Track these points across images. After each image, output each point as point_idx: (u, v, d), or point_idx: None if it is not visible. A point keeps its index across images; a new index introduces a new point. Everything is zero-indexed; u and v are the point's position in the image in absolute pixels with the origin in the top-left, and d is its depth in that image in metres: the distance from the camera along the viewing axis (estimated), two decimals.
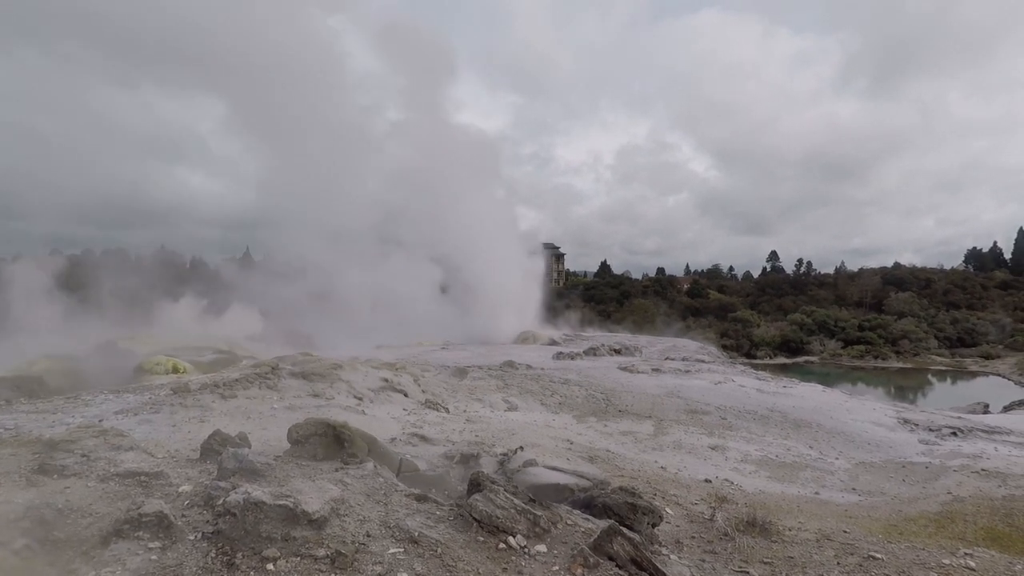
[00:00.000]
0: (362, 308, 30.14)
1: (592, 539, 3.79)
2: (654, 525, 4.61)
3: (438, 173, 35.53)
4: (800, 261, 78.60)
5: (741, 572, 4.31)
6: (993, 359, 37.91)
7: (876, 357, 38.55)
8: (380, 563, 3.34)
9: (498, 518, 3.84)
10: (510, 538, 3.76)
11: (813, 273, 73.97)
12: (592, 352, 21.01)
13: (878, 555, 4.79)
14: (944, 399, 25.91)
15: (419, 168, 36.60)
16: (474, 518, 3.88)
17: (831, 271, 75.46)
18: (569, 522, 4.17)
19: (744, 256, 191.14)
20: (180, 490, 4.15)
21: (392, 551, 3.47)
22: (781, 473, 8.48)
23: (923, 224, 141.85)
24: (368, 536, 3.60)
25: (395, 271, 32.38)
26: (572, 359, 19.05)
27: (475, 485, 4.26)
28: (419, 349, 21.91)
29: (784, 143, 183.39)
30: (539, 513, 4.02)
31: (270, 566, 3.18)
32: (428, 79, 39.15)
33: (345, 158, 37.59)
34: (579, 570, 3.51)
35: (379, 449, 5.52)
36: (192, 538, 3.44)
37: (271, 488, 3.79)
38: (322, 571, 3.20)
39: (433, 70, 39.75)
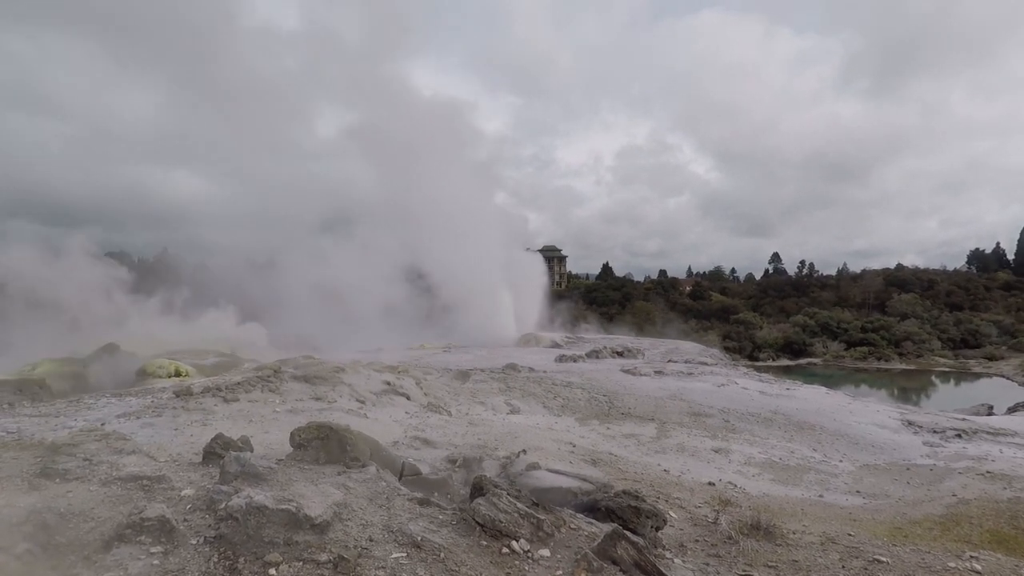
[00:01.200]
0: (302, 306, 28.13)
1: (596, 543, 3.77)
2: (658, 529, 4.59)
3: (398, 146, 32.55)
4: (802, 263, 78.79)
5: None
6: (996, 360, 37.80)
7: (879, 359, 38.49)
8: (383, 568, 3.32)
9: (501, 522, 3.83)
10: (513, 542, 3.74)
11: (815, 275, 73.93)
12: (594, 354, 20.98)
13: (883, 558, 4.76)
14: (948, 401, 25.84)
15: (376, 141, 33.76)
16: (477, 522, 3.86)
17: (833, 273, 75.43)
18: (572, 526, 4.15)
19: (746, 258, 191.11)
20: (182, 494, 4.13)
21: (395, 555, 3.46)
22: (785, 476, 8.44)
23: (926, 225, 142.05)
24: (371, 540, 3.58)
25: (347, 264, 29.48)
26: (574, 361, 19.02)
27: (478, 489, 4.24)
28: (421, 352, 21.93)
29: (785, 144, 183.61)
30: (542, 517, 4.00)
31: (272, 571, 3.17)
32: (379, 34, 36.48)
33: (284, 133, 34.90)
34: (583, 574, 3.49)
35: (381, 452, 5.50)
36: (194, 543, 3.43)
37: (273, 492, 3.78)
38: None
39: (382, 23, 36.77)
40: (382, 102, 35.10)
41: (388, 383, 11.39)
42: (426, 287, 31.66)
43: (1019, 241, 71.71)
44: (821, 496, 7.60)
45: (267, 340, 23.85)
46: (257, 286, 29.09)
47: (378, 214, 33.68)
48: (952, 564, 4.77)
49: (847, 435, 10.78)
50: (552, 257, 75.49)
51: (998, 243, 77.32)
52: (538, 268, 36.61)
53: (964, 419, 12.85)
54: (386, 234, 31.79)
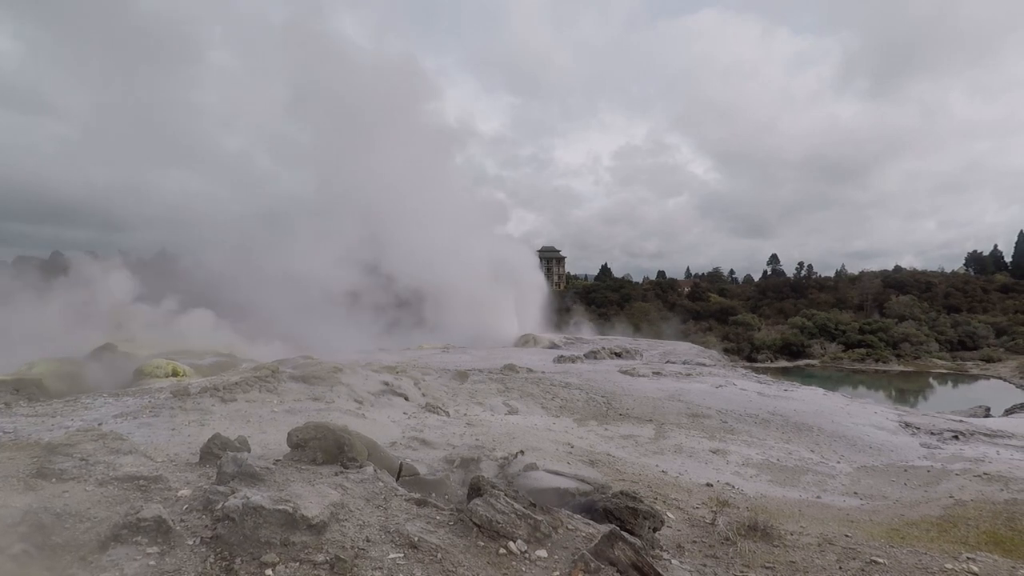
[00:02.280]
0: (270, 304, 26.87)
1: (593, 544, 3.77)
2: (655, 529, 4.59)
3: (353, 123, 31.00)
4: (801, 264, 78.93)
5: None
6: (994, 362, 37.89)
7: (877, 360, 38.53)
8: (380, 568, 3.31)
9: (498, 523, 3.82)
10: (510, 543, 3.74)
11: (814, 276, 74.01)
12: (593, 355, 20.98)
13: (880, 560, 4.77)
14: (945, 402, 25.86)
15: (329, 114, 32.20)
16: (474, 523, 3.85)
17: (832, 274, 75.55)
18: (570, 527, 4.14)
19: (745, 259, 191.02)
20: (179, 494, 4.13)
21: (392, 556, 3.45)
22: (782, 477, 8.45)
23: (924, 227, 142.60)
24: (368, 541, 3.57)
25: (309, 258, 27.85)
26: (573, 362, 19.02)
27: (475, 489, 4.24)
28: (420, 352, 21.91)
29: (784, 144, 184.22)
30: (540, 518, 4.00)
31: (269, 571, 3.16)
32: None
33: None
34: (580, 575, 3.48)
35: (379, 453, 5.50)
36: (191, 543, 3.42)
37: (270, 493, 3.77)
38: None
39: None
40: (329, 64, 33.39)
41: (386, 383, 11.38)
42: (413, 289, 30.62)
43: (1017, 243, 71.84)
44: (819, 497, 7.61)
45: (242, 336, 23.28)
46: (208, 280, 28.11)
47: (337, 202, 32.13)
48: (949, 565, 4.78)
49: (845, 436, 10.80)
50: (551, 258, 75.53)
51: (996, 245, 77.69)
52: (532, 265, 36.37)
53: (961, 421, 12.88)
54: (352, 224, 30.25)
